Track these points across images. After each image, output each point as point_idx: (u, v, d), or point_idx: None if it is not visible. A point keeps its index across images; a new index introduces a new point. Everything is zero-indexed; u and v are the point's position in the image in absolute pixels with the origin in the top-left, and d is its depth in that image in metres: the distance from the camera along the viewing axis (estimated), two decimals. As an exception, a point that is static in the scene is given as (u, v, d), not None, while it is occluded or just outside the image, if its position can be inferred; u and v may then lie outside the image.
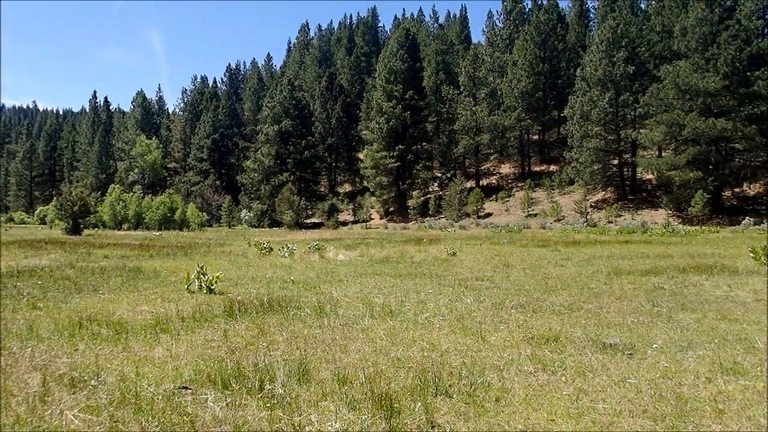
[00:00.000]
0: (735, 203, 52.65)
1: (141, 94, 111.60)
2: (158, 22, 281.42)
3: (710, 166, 50.28)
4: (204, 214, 70.99)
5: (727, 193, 53.59)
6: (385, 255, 19.95)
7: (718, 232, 37.89)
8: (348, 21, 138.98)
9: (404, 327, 7.35)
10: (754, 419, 4.23)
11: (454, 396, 4.70)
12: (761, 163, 52.20)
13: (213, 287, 10.63)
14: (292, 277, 13.07)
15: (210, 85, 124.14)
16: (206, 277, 10.81)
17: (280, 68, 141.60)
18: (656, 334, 7.00)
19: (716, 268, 14.03)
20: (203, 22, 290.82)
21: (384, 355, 5.95)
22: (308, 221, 70.85)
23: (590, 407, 4.48)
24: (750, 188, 54.81)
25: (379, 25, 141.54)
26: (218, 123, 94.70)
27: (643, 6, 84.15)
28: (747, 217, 44.32)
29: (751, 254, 15.73)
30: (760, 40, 60.57)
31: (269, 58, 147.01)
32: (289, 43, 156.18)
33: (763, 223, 42.33)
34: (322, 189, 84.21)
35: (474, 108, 74.19)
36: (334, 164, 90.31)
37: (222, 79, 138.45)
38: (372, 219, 70.40)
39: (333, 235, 40.89)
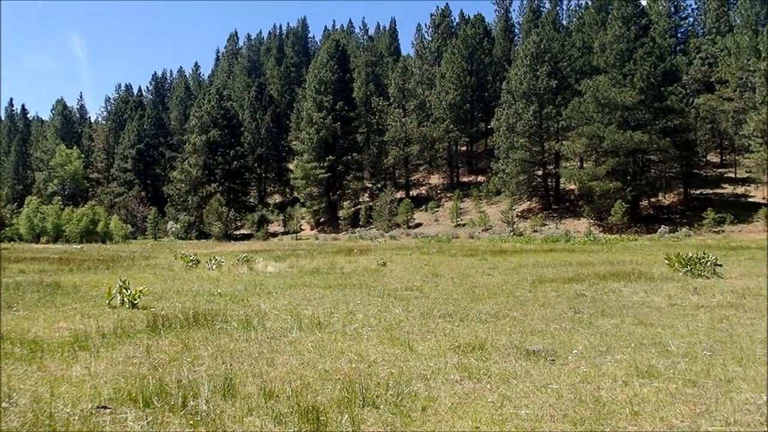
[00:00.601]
0: (651, 212, 55.07)
1: (61, 102, 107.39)
2: (79, 26, 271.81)
3: (628, 177, 52.42)
4: (128, 226, 68.81)
5: (644, 203, 55.99)
6: (315, 266, 19.85)
7: (636, 240, 39.50)
8: (278, 31, 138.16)
9: (332, 338, 7.33)
10: (667, 420, 4.42)
11: (381, 406, 4.72)
12: (675, 174, 54.84)
13: (136, 302, 10.31)
14: (219, 290, 12.83)
15: (135, 94, 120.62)
16: (129, 291, 10.47)
17: (209, 77, 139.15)
18: (577, 339, 7.23)
19: (634, 275, 14.62)
20: (127, 28, 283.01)
21: (311, 367, 5.92)
22: (237, 233, 69.70)
23: (513, 413, 4.58)
24: (665, 198, 57.48)
25: (309, 35, 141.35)
26: (143, 132, 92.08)
27: (564, 23, 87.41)
28: (662, 226, 46.39)
29: (666, 261, 16.46)
30: (672, 57, 63.79)
31: (197, 66, 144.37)
32: (218, 52, 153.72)
33: (677, 231, 44.42)
34: (251, 200, 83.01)
35: (403, 119, 74.97)
36: (263, 175, 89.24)
37: (147, 87, 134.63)
38: (302, 230, 69.90)
39: (263, 247, 40.39)
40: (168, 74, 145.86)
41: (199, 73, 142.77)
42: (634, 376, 5.54)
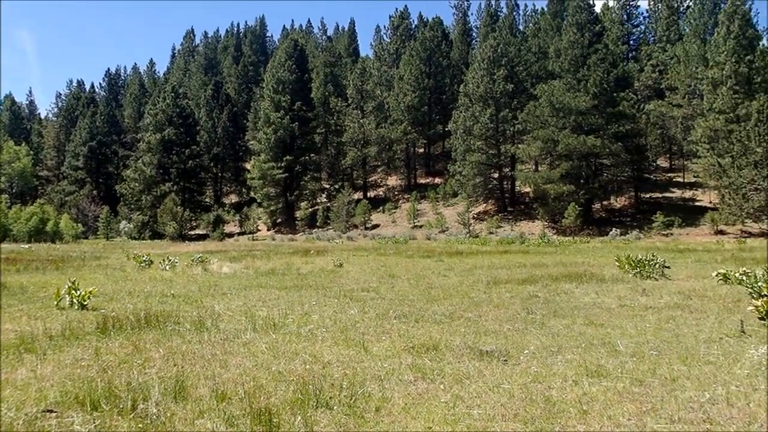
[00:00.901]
0: (603, 215, 56.28)
1: (9, 98, 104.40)
2: (28, 20, 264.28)
3: (581, 180, 53.49)
4: (79, 225, 67.06)
5: (597, 206, 57.19)
6: (271, 267, 19.70)
7: (588, 242, 40.31)
8: (235, 29, 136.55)
9: (287, 340, 7.30)
10: (614, 418, 4.53)
11: (335, 408, 4.72)
12: (626, 178, 56.17)
13: (85, 303, 10.07)
14: (172, 291, 12.63)
15: (87, 90, 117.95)
16: (78, 292, 10.22)
17: (164, 75, 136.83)
18: (530, 340, 7.34)
19: (586, 277, 14.92)
20: (79, 23, 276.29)
21: (265, 369, 5.88)
22: (192, 233, 68.68)
23: (466, 413, 4.63)
24: (616, 201, 58.84)
25: (268, 34, 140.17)
26: (96, 130, 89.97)
27: (521, 27, 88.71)
28: (614, 228, 47.45)
29: (617, 263, 16.85)
30: (624, 64, 65.31)
31: (152, 63, 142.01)
32: (174, 49, 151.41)
33: (628, 233, 45.47)
34: (207, 200, 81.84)
35: (362, 120, 75.02)
36: (220, 174, 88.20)
37: (100, 84, 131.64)
38: (259, 230, 69.28)
39: (218, 247, 39.90)
40: (122, 71, 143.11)
41: (155, 70, 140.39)
42: (584, 375, 5.65)
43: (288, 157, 68.49)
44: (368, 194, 74.38)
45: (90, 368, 5.90)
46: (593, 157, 53.19)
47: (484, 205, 63.40)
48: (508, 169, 61.65)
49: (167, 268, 18.90)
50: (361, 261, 22.98)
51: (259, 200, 71.89)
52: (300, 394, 4.94)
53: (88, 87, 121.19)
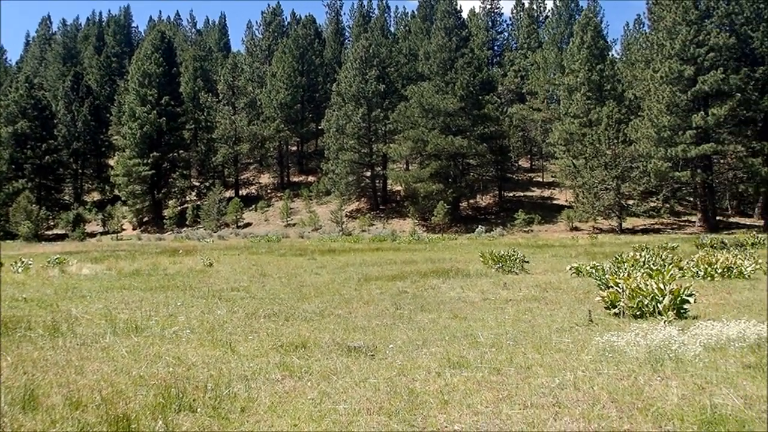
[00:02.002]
0: (470, 213, 58.62)
1: None
2: None
3: (450, 180, 55.38)
4: None
5: (464, 204, 59.44)
6: (136, 268, 18.84)
7: (456, 239, 41.82)
8: (97, 18, 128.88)
9: (149, 342, 7.03)
10: (473, 406, 4.75)
11: (199, 410, 4.61)
12: (491, 178, 58.84)
13: None
14: (24, 295, 11.77)
15: None
16: None
17: (17, 63, 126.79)
18: (397, 334, 7.53)
19: (452, 272, 15.49)
20: None
21: (125, 373, 5.64)
22: (50, 233, 64.13)
23: (332, 409, 4.68)
24: (482, 200, 61.49)
25: (133, 25, 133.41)
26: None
27: (392, 29, 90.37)
28: (480, 226, 49.51)
29: (481, 259, 17.64)
30: (489, 69, 68.30)
31: (2, 51, 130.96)
32: (28, 36, 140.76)
33: (493, 230, 47.64)
34: (66, 198, 76.63)
35: (233, 117, 73.31)
36: (80, 171, 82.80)
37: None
38: (124, 230, 65.91)
39: (78, 248, 37.56)
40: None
41: (6, 58, 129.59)
42: (447, 366, 5.88)
43: (155, 153, 65.63)
44: (240, 192, 72.86)
45: (-77, 381, 5.39)
46: (461, 157, 55.22)
47: (357, 203, 64.03)
48: (380, 168, 62.60)
49: (20, 270, 17.58)
50: (232, 260, 22.51)
51: (123, 198, 68.32)
52: (162, 398, 4.79)
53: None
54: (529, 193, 62.60)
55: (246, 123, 72.43)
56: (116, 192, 71.58)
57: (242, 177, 77.60)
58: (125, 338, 7.30)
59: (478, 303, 10.41)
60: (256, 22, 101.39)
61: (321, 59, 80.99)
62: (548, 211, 54.54)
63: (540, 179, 66.95)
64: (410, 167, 62.13)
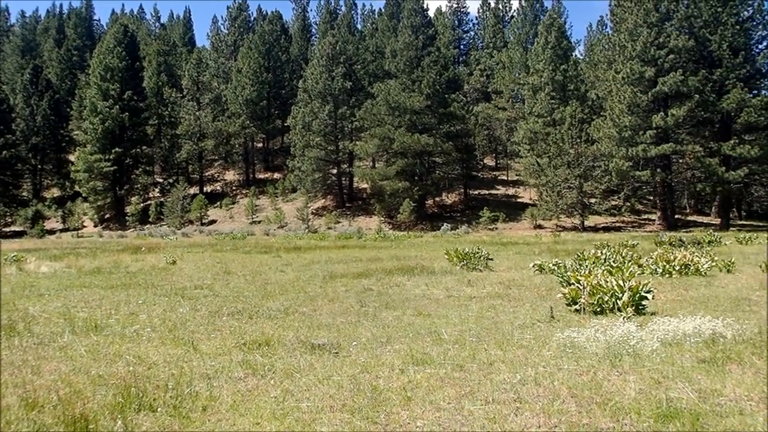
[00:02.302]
0: (436, 211, 58.91)
1: None
2: None
3: (416, 177, 55.57)
4: None
5: (430, 202, 59.72)
6: (96, 265, 18.49)
7: (421, 236, 41.95)
8: (58, 10, 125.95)
9: (109, 341, 6.91)
10: (435, 402, 4.78)
11: (159, 409, 4.56)
12: (456, 176, 59.20)
13: None
14: (-22, 294, 11.45)
15: None
16: None
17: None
18: (361, 332, 7.54)
19: (417, 269, 15.55)
20: None
21: (84, 373, 5.54)
22: (7, 230, 62.61)
23: (295, 407, 4.67)
24: (448, 197, 61.85)
25: (95, 18, 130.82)
26: None
27: (359, 26, 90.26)
28: (445, 223, 49.79)
29: (446, 256, 17.74)
30: (455, 67, 68.64)
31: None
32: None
33: (458, 228, 47.95)
34: (24, 194, 74.80)
35: (198, 113, 72.39)
36: (40, 166, 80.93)
37: None
38: (85, 227, 64.64)
39: (37, 245, 36.68)
40: None
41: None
42: (410, 363, 5.90)
43: (117, 149, 64.48)
44: (205, 189, 72.08)
45: None
46: (427, 155, 55.44)
47: (323, 200, 63.85)
48: (346, 166, 62.50)
49: (-27, 268, 17.11)
50: (196, 258, 22.24)
51: (84, 195, 66.95)
52: (121, 398, 4.72)
53: None
54: (494, 192, 63.17)
55: (211, 119, 71.62)
56: (77, 188, 70.10)
57: (207, 174, 76.76)
58: (84, 337, 7.17)
59: (443, 300, 10.48)
60: (222, 17, 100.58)
61: (287, 55, 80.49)
62: (513, 209, 55.11)
63: (505, 177, 67.60)
64: (376, 165, 62.16)
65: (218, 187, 74.47)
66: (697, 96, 44.47)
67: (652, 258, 14.78)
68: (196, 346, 6.68)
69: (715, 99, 45.18)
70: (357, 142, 59.08)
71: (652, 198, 53.66)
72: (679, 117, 44.31)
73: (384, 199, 55.69)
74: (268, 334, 7.25)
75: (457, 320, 8.34)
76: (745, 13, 47.23)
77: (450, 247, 21.16)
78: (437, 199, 60.77)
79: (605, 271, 10.56)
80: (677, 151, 46.02)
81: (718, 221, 48.52)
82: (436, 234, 45.08)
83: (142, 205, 67.18)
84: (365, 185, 62.95)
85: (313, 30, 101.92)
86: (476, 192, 61.95)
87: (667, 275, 13.40)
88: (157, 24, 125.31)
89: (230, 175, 77.38)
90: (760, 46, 48.16)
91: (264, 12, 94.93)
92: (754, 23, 47.69)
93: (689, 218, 51.82)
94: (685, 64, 45.37)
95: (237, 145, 74.42)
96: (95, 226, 65.15)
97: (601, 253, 15.55)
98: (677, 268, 13.66)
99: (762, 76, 48.56)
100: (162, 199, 66.37)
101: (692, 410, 4.50)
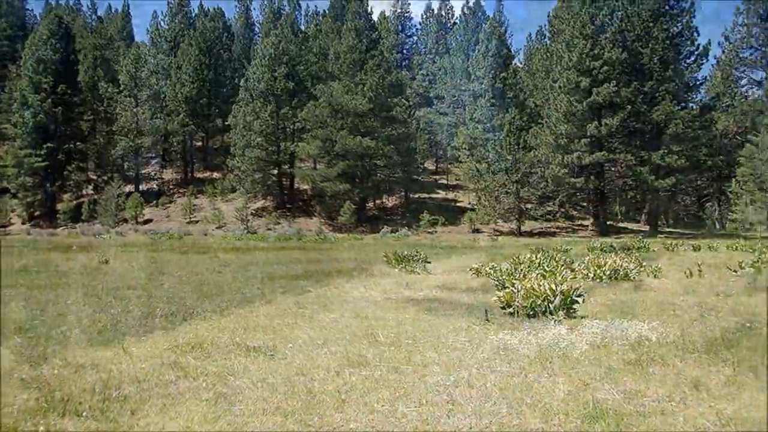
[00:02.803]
0: (376, 213, 59.11)
1: None
2: None
3: (357, 180, 55.62)
4: None
5: (370, 204, 59.88)
6: (23, 264, 17.79)
7: (361, 239, 42.03)
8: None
9: (34, 344, 6.67)
10: (370, 404, 4.81)
11: (84, 414, 4.43)
12: (397, 179, 59.53)
13: None
14: None
15: None
16: None
17: None
18: (298, 334, 7.50)
19: (356, 272, 15.59)
20: None
21: (5, 377, 5.32)
22: (-75, 227, 59.50)
23: (227, 410, 4.61)
24: (388, 200, 62.14)
25: (27, 7, 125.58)
26: None
27: (303, 27, 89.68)
28: (385, 226, 50.05)
29: (385, 259, 17.83)
30: (398, 72, 68.98)
31: None
32: None
33: (398, 231, 48.23)
34: (-55, 189, 71.35)
35: (135, 109, 70.44)
36: (-38, 160, 77.35)
37: None
38: (12, 224, 62.01)
39: (-42, 243, 35.02)
40: None
41: None
42: (346, 365, 5.91)
43: (49, 144, 62.20)
44: (141, 187, 70.18)
45: None
46: (368, 158, 55.52)
47: (263, 201, 63.10)
48: (287, 167, 61.95)
49: None
50: (130, 257, 21.67)
51: (13, 191, 64.26)
52: (45, 402, 4.56)
53: None
54: (434, 196, 63.81)
55: (149, 116, 69.85)
56: (5, 184, 67.22)
57: (143, 172, 74.66)
58: (8, 339, 6.90)
59: (381, 302, 10.52)
60: (162, 13, 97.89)
61: (229, 54, 79.32)
62: (452, 213, 55.79)
63: (445, 182, 68.41)
64: (318, 166, 61.84)
65: (155, 186, 72.61)
66: (630, 106, 46.11)
67: (584, 263, 15.22)
68: (126, 348, 6.51)
69: (646, 110, 46.92)
70: (299, 144, 58.66)
71: (585, 204, 55.22)
72: (612, 126, 45.82)
73: (325, 201, 55.49)
74: (202, 336, 7.13)
75: (393, 322, 8.39)
76: (675, 28, 49.22)
77: (389, 249, 21.23)
78: (378, 201, 60.96)
79: (539, 275, 10.80)
80: (610, 159, 47.57)
81: (647, 228, 50.29)
82: (376, 236, 45.22)
83: (74, 202, 64.91)
84: (306, 186, 62.54)
85: (256, 29, 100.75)
86: (416, 196, 62.41)
87: (598, 280, 13.80)
88: (94, 17, 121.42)
89: (168, 174, 75.58)
90: (687, 61, 50.29)
91: (206, 9, 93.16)
92: (683, 38, 49.80)
93: (620, 225, 53.51)
94: (619, 76, 46.94)
95: (175, 143, 72.79)
96: (24, 224, 62.64)
97: (536, 257, 15.90)
98: (607, 272, 14.09)
99: (689, 90, 50.79)
100: (96, 197, 64.29)
101: (617, 411, 4.65)
